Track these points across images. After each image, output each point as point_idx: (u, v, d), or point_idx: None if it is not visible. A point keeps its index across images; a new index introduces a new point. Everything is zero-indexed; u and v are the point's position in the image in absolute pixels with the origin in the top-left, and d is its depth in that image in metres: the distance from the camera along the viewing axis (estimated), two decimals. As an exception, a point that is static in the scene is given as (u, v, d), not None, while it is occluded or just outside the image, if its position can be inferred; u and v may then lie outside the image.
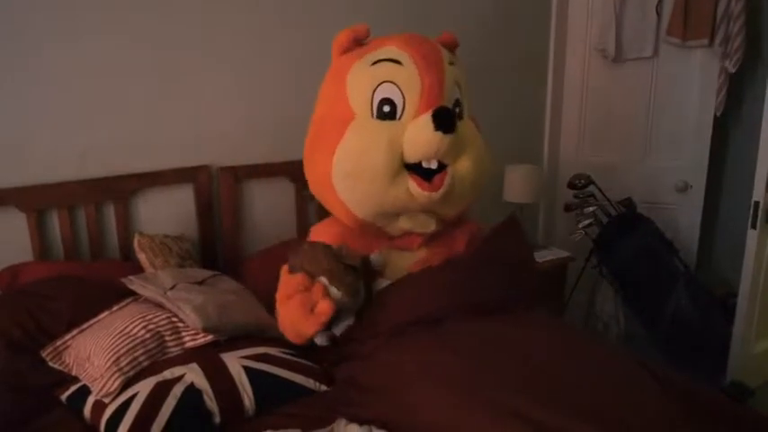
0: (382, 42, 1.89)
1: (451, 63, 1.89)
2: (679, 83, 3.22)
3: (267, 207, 2.63)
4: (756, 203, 2.58)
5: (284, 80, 2.60)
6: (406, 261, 2.00)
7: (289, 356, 1.71)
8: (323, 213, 2.67)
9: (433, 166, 1.78)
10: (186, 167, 2.41)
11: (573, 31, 3.34)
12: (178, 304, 1.71)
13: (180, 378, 1.51)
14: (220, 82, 2.47)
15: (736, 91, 3.23)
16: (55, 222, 2.19)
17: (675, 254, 2.93)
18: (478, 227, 2.22)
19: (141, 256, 2.17)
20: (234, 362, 1.61)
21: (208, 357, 1.62)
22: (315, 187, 1.99)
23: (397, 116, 1.80)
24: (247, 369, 1.58)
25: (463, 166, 1.83)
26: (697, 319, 2.76)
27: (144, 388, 1.48)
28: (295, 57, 2.61)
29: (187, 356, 1.63)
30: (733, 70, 3.07)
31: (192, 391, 1.48)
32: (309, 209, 2.69)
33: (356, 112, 1.83)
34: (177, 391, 1.47)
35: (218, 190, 2.49)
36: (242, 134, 2.54)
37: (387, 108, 1.79)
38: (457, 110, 1.88)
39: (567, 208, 3.05)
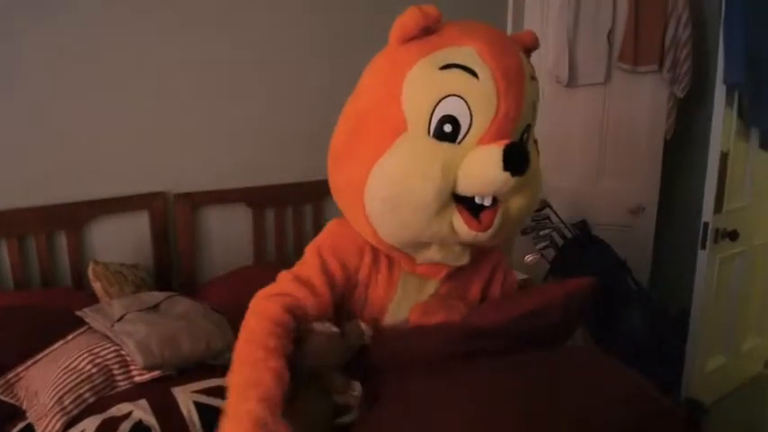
0: (457, 38, 1.47)
1: (532, 78, 1.51)
2: (631, 108, 3.31)
3: (224, 233, 2.61)
4: (705, 224, 2.65)
5: (240, 105, 2.60)
6: (421, 290, 1.70)
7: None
8: (281, 242, 2.70)
9: (487, 203, 1.44)
10: (141, 194, 2.38)
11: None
12: (122, 338, 1.67)
13: (127, 415, 1.46)
14: (175, 108, 2.45)
15: (685, 115, 3.33)
16: (3, 251, 2.14)
17: (629, 274, 2.98)
18: (502, 256, 1.91)
19: (96, 285, 2.13)
20: (185, 397, 1.55)
21: (157, 393, 1.57)
22: (339, 195, 1.62)
23: (458, 139, 1.43)
24: (198, 405, 1.52)
25: (517, 203, 1.50)
26: (651, 338, 2.81)
27: (89, 426, 1.43)
28: (250, 81, 2.61)
29: (136, 392, 1.58)
30: (681, 95, 3.17)
31: (139, 429, 1.43)
32: (267, 236, 2.69)
33: (409, 122, 1.45)
34: (124, 428, 1.41)
35: (174, 217, 2.47)
36: (199, 160, 2.52)
37: (448, 128, 1.42)
38: (525, 136, 1.52)
39: (524, 231, 3.09)
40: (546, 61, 3.35)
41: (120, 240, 2.37)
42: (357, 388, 1.45)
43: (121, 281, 2.15)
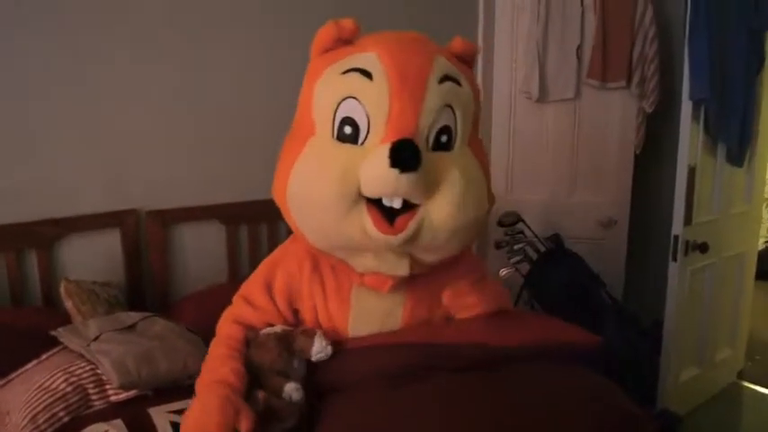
0: (365, 45, 1.52)
1: (446, 79, 1.50)
2: (600, 123, 3.36)
3: (197, 251, 2.60)
4: (676, 237, 2.69)
5: (213, 122, 2.60)
6: (380, 305, 1.69)
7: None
8: (255, 259, 2.68)
9: (396, 205, 1.41)
10: (112, 212, 2.36)
11: (498, 73, 3.45)
12: (97, 357, 1.65)
13: (103, 436, 1.45)
14: (146, 124, 2.44)
15: (654, 129, 3.39)
16: (-29, 270, 2.11)
17: (603, 287, 3.01)
18: (475, 262, 1.90)
19: (68, 303, 2.10)
20: (161, 417, 1.54)
21: (133, 412, 1.56)
22: (278, 203, 1.62)
23: (360, 140, 1.45)
24: (175, 425, 1.50)
25: (439, 208, 1.44)
26: (625, 350, 2.83)
27: (64, 445, 1.42)
28: (223, 98, 2.62)
29: (111, 411, 1.57)
30: (650, 110, 3.23)
31: (114, 449, 1.42)
32: (241, 252, 2.67)
33: (317, 127, 1.51)
34: (99, 448, 1.41)
35: (146, 234, 2.45)
36: (171, 177, 2.51)
37: (348, 129, 1.45)
38: (443, 138, 1.50)
39: (498, 245, 3.11)
40: (517, 77, 3.41)
41: (92, 258, 2.34)
42: (293, 394, 1.45)
43: (94, 299, 2.13)
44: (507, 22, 3.41)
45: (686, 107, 2.61)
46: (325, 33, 1.57)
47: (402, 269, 1.55)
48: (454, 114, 1.51)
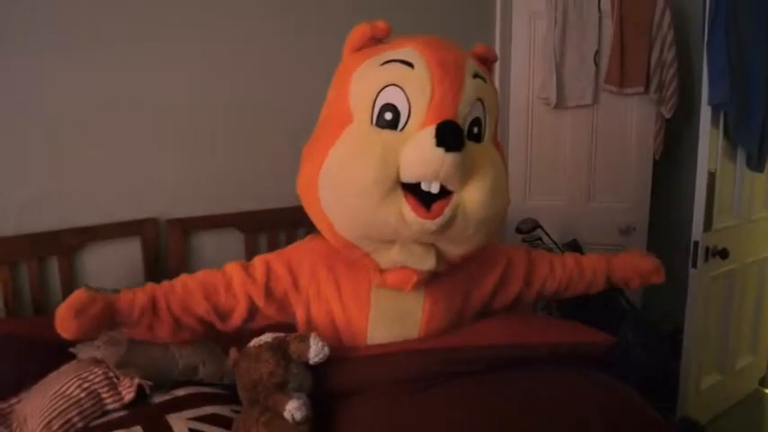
0: (400, 43, 1.58)
1: (477, 76, 1.56)
2: (619, 128, 3.35)
3: (216, 259, 2.58)
4: (696, 243, 2.67)
5: (232, 130, 2.63)
6: (401, 307, 1.70)
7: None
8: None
9: (434, 189, 1.43)
10: (132, 220, 2.39)
11: (516, 80, 3.45)
12: (104, 351, 1.70)
13: (123, 442, 1.47)
14: (166, 133, 2.47)
15: (673, 135, 3.37)
16: (-5, 279, 2.14)
17: (621, 293, 2.99)
18: (508, 258, 1.91)
19: (88, 312, 2.12)
20: (181, 424, 1.54)
21: (153, 420, 1.56)
22: (303, 198, 1.64)
23: (400, 126, 1.48)
24: None
25: (472, 196, 1.48)
26: (644, 357, 2.80)
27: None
28: (243, 106, 2.64)
29: (130, 419, 1.57)
30: (668, 115, 3.21)
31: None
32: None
33: (355, 114, 1.53)
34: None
35: (165, 243, 2.47)
36: (190, 185, 2.54)
37: (389, 115, 1.48)
38: (475, 129, 1.56)
39: (516, 251, 3.10)
40: (534, 83, 3.40)
41: (113, 266, 2.37)
42: (296, 413, 1.41)
43: (113, 307, 2.15)
44: (524, 29, 3.41)
45: (705, 112, 2.59)
46: (359, 32, 1.63)
47: (429, 262, 1.56)
48: (484, 109, 1.57)
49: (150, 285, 1.65)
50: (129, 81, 2.37)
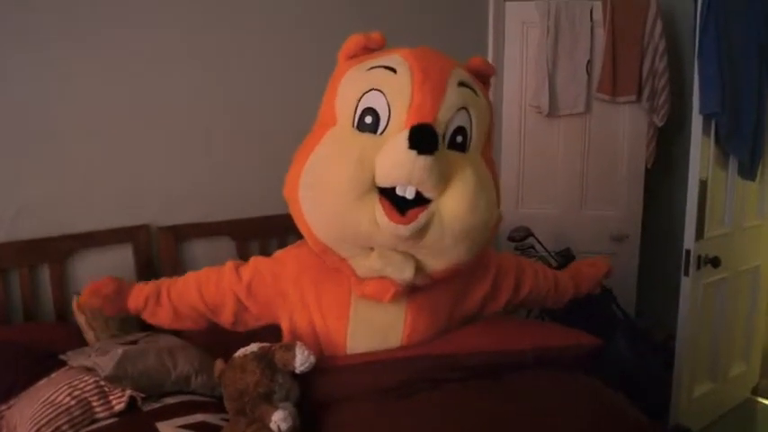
0: (391, 51, 1.61)
1: (464, 85, 1.56)
2: (611, 137, 3.37)
3: (208, 266, 2.60)
4: (687, 251, 2.67)
5: (225, 137, 2.63)
6: (378, 318, 1.67)
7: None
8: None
9: (409, 195, 1.42)
10: (124, 227, 2.38)
11: (508, 88, 3.46)
12: (94, 360, 1.70)
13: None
14: (159, 140, 2.47)
15: (665, 143, 3.38)
16: (-14, 285, 2.13)
17: (614, 301, 2.99)
18: (485, 264, 1.86)
19: (80, 319, 2.12)
20: (170, 431, 1.56)
21: (143, 428, 1.57)
22: (287, 199, 1.65)
23: (379, 130, 1.49)
24: None
25: (449, 205, 1.46)
26: (638, 365, 2.81)
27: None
28: (236, 114, 2.64)
29: (121, 426, 1.57)
30: (660, 124, 3.23)
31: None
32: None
33: (338, 119, 1.57)
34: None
35: (157, 249, 2.47)
36: (182, 193, 2.54)
37: (369, 119, 1.50)
38: (459, 138, 1.54)
39: (509, 260, 3.11)
40: (527, 91, 3.41)
41: (104, 273, 2.29)
42: (281, 425, 1.41)
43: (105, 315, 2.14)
44: (517, 37, 3.42)
45: (697, 121, 2.60)
46: (353, 41, 1.67)
47: (407, 272, 1.55)
48: (470, 118, 1.56)
49: (163, 279, 1.85)
50: (122, 89, 2.37)
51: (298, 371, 1.52)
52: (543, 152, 3.46)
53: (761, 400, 3.35)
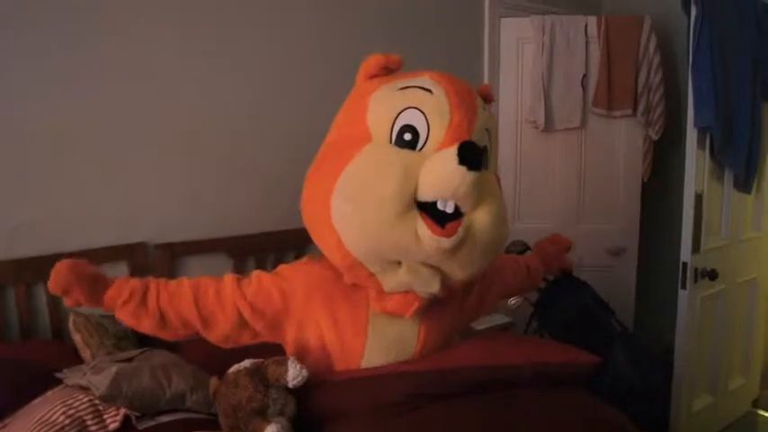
0: (416, 73, 1.66)
1: (485, 109, 1.66)
2: (607, 151, 3.39)
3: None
4: (684, 264, 2.68)
5: (221, 156, 2.64)
6: (394, 331, 1.70)
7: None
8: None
9: (449, 209, 1.48)
10: (121, 245, 2.39)
11: (504, 103, 3.48)
12: (89, 379, 1.69)
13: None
14: (156, 158, 2.48)
15: (661, 157, 3.40)
16: (-18, 304, 2.13)
17: (612, 315, 2.98)
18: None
19: (76, 337, 2.11)
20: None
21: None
22: (308, 214, 1.65)
23: (419, 147, 1.53)
24: None
25: (482, 218, 1.53)
26: (636, 379, 2.79)
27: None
28: (233, 133, 2.66)
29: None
30: (656, 137, 3.26)
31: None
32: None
33: (373, 134, 1.58)
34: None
35: (154, 267, 2.47)
36: (178, 211, 2.54)
37: (408, 136, 1.54)
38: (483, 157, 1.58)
39: (506, 274, 3.10)
40: (522, 106, 3.43)
41: (101, 291, 2.36)
42: None
43: (102, 332, 2.14)
44: (512, 53, 3.45)
45: (691, 134, 2.61)
46: (374, 60, 1.72)
47: (435, 285, 1.59)
48: (489, 139, 1.64)
49: (150, 278, 1.71)
50: (120, 108, 2.38)
51: (290, 385, 1.51)
52: (539, 167, 3.48)
53: (761, 412, 3.34)
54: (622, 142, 3.37)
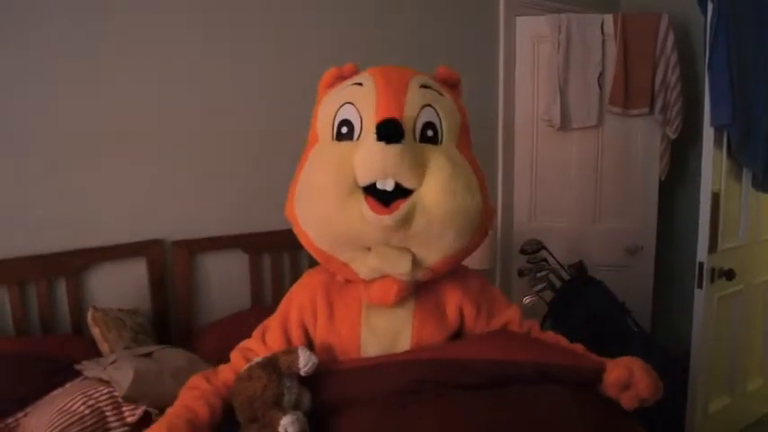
0: (361, 72, 1.77)
1: (426, 87, 1.69)
2: (624, 149, 3.37)
3: (221, 279, 2.64)
4: (701, 264, 2.66)
5: (237, 153, 2.67)
6: (388, 325, 1.73)
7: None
8: (278, 287, 2.72)
9: (389, 186, 1.52)
10: (138, 242, 2.42)
11: (520, 102, 3.48)
12: (111, 374, 1.72)
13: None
14: (172, 156, 2.52)
15: (679, 155, 3.37)
16: (5, 298, 2.17)
17: (628, 315, 2.97)
18: (482, 282, 1.93)
19: (95, 331, 2.15)
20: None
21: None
22: (288, 219, 1.76)
23: (355, 137, 1.62)
24: None
25: (429, 191, 1.55)
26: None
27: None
28: (248, 130, 2.68)
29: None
30: (674, 136, 3.23)
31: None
32: (264, 280, 2.72)
33: (320, 135, 1.72)
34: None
35: (171, 263, 2.51)
36: (195, 208, 2.58)
37: (344, 129, 1.64)
38: (429, 132, 1.65)
39: (521, 273, 3.10)
40: (538, 105, 3.43)
41: (119, 286, 2.40)
42: (289, 428, 1.43)
43: (119, 326, 2.18)
44: (528, 52, 3.44)
45: (708, 133, 2.60)
46: (329, 74, 1.84)
47: (404, 266, 1.64)
48: (438, 114, 1.68)
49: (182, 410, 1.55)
50: (136, 105, 2.42)
51: (302, 372, 1.54)
52: (556, 165, 3.47)
53: (780, 414, 3.30)
54: (639, 141, 3.35)
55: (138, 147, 2.43)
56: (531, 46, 3.43)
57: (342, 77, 1.80)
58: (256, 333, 1.78)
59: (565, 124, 3.35)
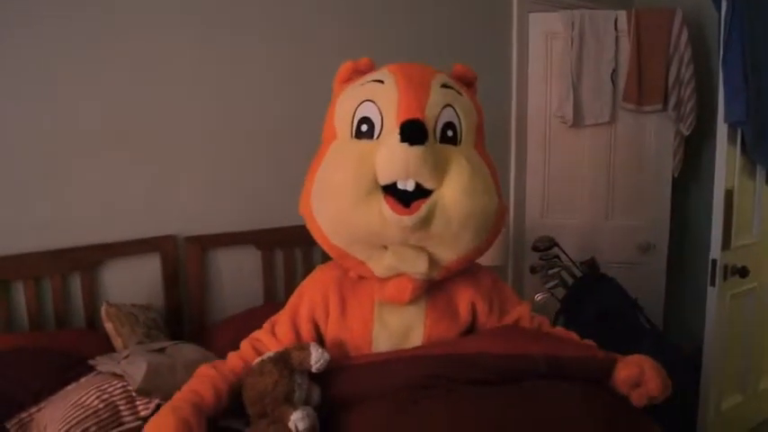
0: (380, 68, 1.77)
1: (446, 87, 1.70)
2: (637, 146, 3.35)
3: (234, 275, 2.66)
4: (714, 261, 2.64)
5: (250, 149, 2.68)
6: (400, 321, 1.74)
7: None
8: (290, 282, 2.73)
9: (409, 187, 1.53)
10: (151, 237, 2.44)
11: (533, 99, 3.47)
12: (124, 368, 1.73)
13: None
14: (185, 152, 2.53)
15: (692, 152, 3.35)
16: (20, 293, 2.20)
17: (641, 312, 2.97)
18: (493, 278, 1.93)
19: (108, 326, 2.17)
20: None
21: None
22: (302, 216, 1.77)
23: (375, 135, 1.62)
24: None
25: (449, 192, 1.56)
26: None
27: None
28: (260, 126, 2.69)
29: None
30: (687, 133, 3.21)
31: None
32: (276, 276, 2.73)
33: (338, 132, 1.71)
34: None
35: (184, 259, 2.52)
36: (208, 203, 2.59)
37: (364, 127, 1.64)
38: (449, 132, 1.66)
39: (533, 270, 3.10)
40: (551, 102, 3.42)
41: (133, 282, 2.42)
42: (299, 424, 1.43)
43: (133, 321, 2.20)
44: (541, 48, 3.43)
45: (722, 130, 2.58)
46: (345, 67, 1.83)
47: (421, 265, 1.65)
48: (457, 114, 1.68)
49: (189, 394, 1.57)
50: (149, 101, 2.43)
51: (314, 369, 1.55)
52: (568, 162, 3.46)
53: (793, 413, 3.28)
54: (652, 137, 3.33)
55: (151, 143, 2.45)
56: (544, 42, 3.42)
57: (358, 72, 1.80)
58: (266, 325, 1.79)
59: (578, 121, 3.33)
